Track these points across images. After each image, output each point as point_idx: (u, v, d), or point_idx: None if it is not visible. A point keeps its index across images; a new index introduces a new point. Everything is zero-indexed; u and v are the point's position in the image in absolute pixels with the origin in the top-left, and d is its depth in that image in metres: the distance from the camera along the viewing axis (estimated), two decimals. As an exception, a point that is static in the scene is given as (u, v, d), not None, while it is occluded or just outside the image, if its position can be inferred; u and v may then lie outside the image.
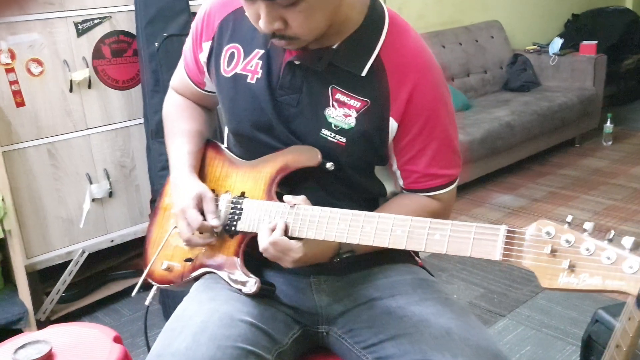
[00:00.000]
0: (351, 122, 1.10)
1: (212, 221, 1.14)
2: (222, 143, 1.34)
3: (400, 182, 1.18)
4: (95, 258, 2.49)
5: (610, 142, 4.34)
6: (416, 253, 1.30)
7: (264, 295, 1.12)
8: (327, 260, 1.11)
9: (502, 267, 2.66)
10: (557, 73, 4.42)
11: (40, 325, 2.26)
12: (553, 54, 4.45)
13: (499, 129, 3.55)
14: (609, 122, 4.32)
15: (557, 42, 4.51)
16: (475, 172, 3.55)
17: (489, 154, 3.54)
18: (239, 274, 1.13)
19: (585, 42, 4.35)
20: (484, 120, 3.58)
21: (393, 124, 1.10)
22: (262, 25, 1.01)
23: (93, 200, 2.37)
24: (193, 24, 1.27)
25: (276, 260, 1.06)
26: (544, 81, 4.48)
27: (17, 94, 2.14)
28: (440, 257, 2.75)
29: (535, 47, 4.64)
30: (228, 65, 1.19)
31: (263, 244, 1.05)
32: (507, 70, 4.44)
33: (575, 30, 5.05)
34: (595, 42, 4.32)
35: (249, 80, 1.15)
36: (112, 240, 2.46)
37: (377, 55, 1.09)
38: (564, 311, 2.33)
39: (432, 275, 1.25)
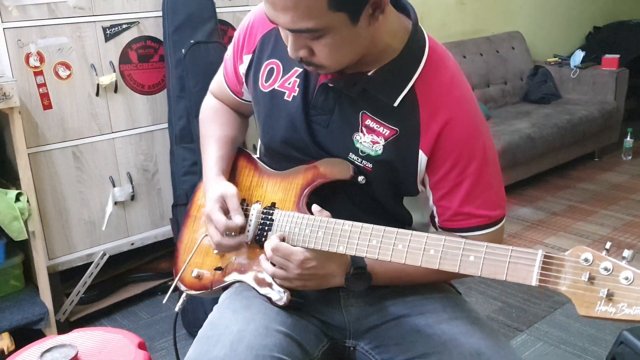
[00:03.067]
0: (378, 149, 1.10)
1: (235, 218, 1.14)
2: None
3: (436, 219, 1.16)
4: (115, 260, 2.50)
5: (630, 157, 4.31)
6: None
7: (293, 308, 1.12)
8: (341, 279, 1.10)
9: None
10: (578, 86, 4.40)
11: (60, 326, 2.28)
12: (574, 66, 4.43)
13: (519, 141, 3.53)
14: (629, 136, 4.29)
15: (579, 55, 4.49)
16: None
17: (509, 166, 3.52)
18: (269, 284, 1.13)
19: (607, 56, 4.33)
20: (504, 132, 3.56)
21: (422, 157, 1.09)
22: (289, 51, 1.02)
23: (115, 203, 2.38)
24: (236, 33, 1.28)
25: (283, 276, 1.07)
26: (564, 94, 4.45)
27: (44, 96, 2.17)
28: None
29: (556, 59, 4.62)
30: (266, 81, 1.20)
31: (267, 253, 1.07)
32: (528, 82, 4.43)
33: (596, 43, 5.02)
34: (618, 55, 4.29)
35: (285, 97, 1.16)
36: (133, 243, 2.48)
37: (412, 87, 1.08)
38: (583, 328, 2.32)
39: (459, 293, 1.25)
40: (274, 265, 1.09)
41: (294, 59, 1.13)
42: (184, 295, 1.28)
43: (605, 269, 0.78)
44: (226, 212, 1.16)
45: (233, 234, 1.15)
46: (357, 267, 1.09)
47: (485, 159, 1.09)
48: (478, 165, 1.08)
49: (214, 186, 1.21)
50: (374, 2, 0.96)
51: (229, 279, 1.21)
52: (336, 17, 0.93)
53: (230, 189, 1.18)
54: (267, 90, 1.19)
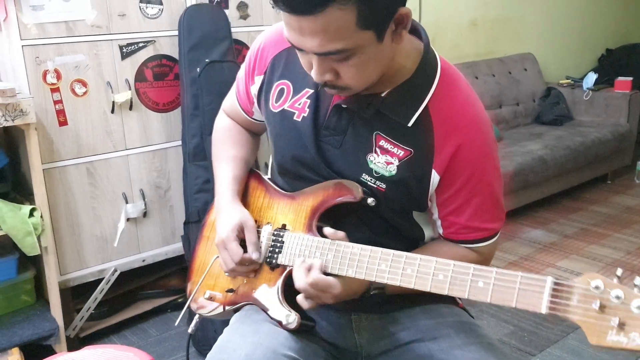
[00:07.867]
0: (392, 169, 1.10)
1: (253, 254, 1.16)
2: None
3: (440, 230, 1.16)
4: (126, 277, 2.50)
5: (643, 180, 4.29)
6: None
7: (304, 331, 1.12)
8: (358, 296, 1.11)
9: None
10: (591, 108, 4.39)
11: (69, 342, 2.28)
12: (587, 88, 4.42)
13: (531, 163, 3.52)
14: (642, 159, 4.27)
15: (591, 77, 4.48)
16: (506, 206, 3.51)
17: (521, 188, 3.51)
18: (280, 307, 1.13)
19: (620, 78, 4.32)
20: (516, 154, 3.56)
21: (435, 176, 1.09)
22: (313, 75, 1.02)
23: (127, 219, 2.39)
24: (247, 55, 1.29)
25: (314, 299, 1.06)
26: (577, 116, 4.44)
27: (60, 113, 2.19)
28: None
29: (568, 81, 4.62)
30: (277, 101, 1.20)
31: (300, 284, 1.05)
32: (540, 104, 4.42)
33: (609, 65, 5.02)
34: (631, 78, 4.28)
35: (295, 117, 1.17)
36: (144, 260, 2.48)
37: (426, 107, 1.08)
38: (596, 353, 2.28)
39: (472, 317, 1.24)
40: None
41: (304, 80, 1.13)
42: (196, 316, 1.27)
43: (617, 297, 0.77)
44: (242, 240, 1.17)
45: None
46: (375, 288, 1.11)
47: (496, 177, 1.12)
48: (488, 183, 1.11)
49: (230, 210, 1.21)
50: (397, 18, 0.97)
51: (240, 300, 1.20)
52: (364, 35, 0.94)
53: (249, 220, 1.19)
54: (277, 111, 1.20)
